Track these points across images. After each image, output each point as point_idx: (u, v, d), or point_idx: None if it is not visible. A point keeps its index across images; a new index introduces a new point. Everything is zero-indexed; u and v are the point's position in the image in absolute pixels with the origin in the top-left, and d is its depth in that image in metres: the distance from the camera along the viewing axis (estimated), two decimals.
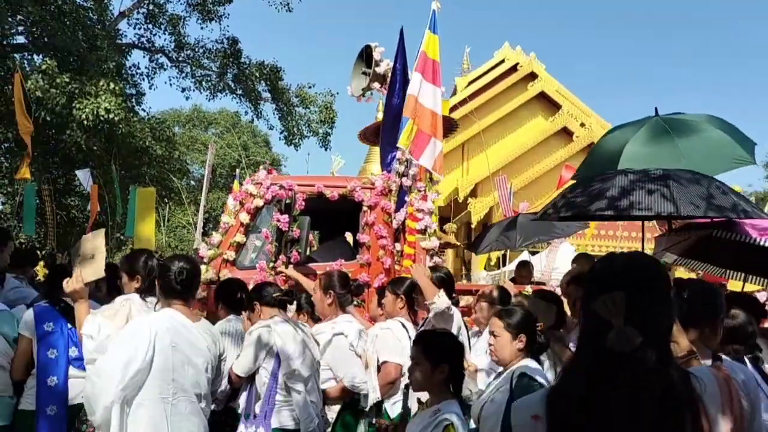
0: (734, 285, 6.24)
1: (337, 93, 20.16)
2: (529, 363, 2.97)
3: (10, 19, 14.01)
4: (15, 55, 15.70)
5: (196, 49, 19.18)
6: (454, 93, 22.90)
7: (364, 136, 7.99)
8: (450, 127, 7.24)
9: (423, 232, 5.74)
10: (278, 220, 5.54)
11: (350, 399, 3.95)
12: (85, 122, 13.22)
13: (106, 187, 14.24)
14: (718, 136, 4.74)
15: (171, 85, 19.93)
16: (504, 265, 12.73)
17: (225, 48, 18.78)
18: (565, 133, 19.80)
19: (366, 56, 6.88)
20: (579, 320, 1.72)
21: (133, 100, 17.76)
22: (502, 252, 12.66)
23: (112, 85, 13.62)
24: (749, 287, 5.60)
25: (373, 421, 3.91)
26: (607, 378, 1.50)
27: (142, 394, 2.93)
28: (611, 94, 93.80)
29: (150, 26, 18.71)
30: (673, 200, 3.65)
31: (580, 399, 1.52)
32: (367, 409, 3.91)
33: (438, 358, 2.83)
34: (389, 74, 6.53)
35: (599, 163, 5.13)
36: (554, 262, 10.83)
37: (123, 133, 14.99)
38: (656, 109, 5.30)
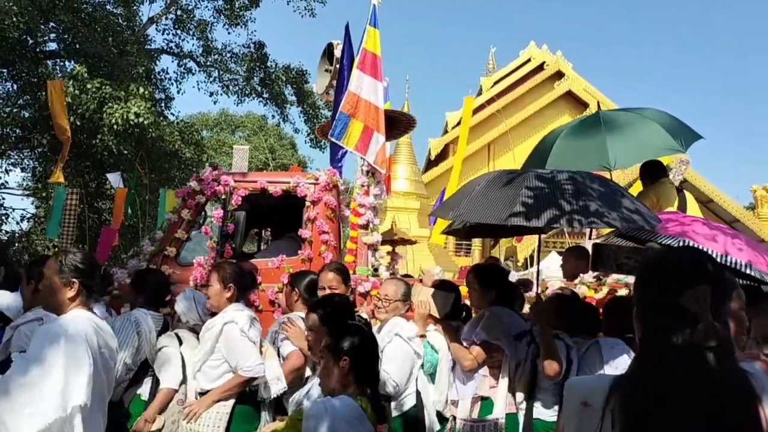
0: None
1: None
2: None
3: (42, 26, 14.33)
4: (48, 61, 16.06)
5: (224, 54, 19.44)
6: (480, 93, 22.83)
7: (323, 132, 8.02)
8: (408, 123, 7.23)
9: (365, 227, 5.71)
10: (214, 216, 5.61)
11: (249, 391, 3.80)
12: (116, 126, 13.46)
13: (137, 190, 14.48)
14: (651, 129, 5.01)
15: (199, 89, 20.14)
16: (532, 265, 12.65)
17: (251, 52, 18.99)
18: None
19: (329, 54, 6.92)
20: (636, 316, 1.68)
21: (162, 104, 18.05)
22: (531, 251, 12.60)
23: (141, 90, 13.86)
24: None
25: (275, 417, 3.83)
26: (685, 373, 1.50)
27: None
28: (641, 91, 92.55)
29: (178, 31, 19.02)
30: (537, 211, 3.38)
31: (650, 391, 1.51)
32: (268, 401, 3.82)
33: (341, 350, 2.67)
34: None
35: (534, 159, 5.41)
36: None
37: (153, 137, 15.23)
38: (598, 103, 5.52)
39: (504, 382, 3.68)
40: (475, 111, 21.78)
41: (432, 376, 4.00)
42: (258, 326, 3.86)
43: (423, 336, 4.01)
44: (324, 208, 5.65)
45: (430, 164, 23.35)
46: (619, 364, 3.45)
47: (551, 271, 8.93)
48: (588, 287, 5.07)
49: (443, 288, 4.10)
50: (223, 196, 5.63)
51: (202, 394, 3.72)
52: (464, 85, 76.59)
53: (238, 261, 5.22)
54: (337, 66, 6.69)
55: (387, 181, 9.51)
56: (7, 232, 16.33)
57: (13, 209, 16.50)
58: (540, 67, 21.84)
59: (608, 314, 3.90)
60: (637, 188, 5.96)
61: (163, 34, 19.21)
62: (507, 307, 3.83)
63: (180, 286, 4.82)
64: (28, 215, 18.37)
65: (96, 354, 2.66)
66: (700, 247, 3.54)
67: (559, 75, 21.14)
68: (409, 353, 3.86)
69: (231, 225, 5.59)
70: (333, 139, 5.91)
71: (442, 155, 21.99)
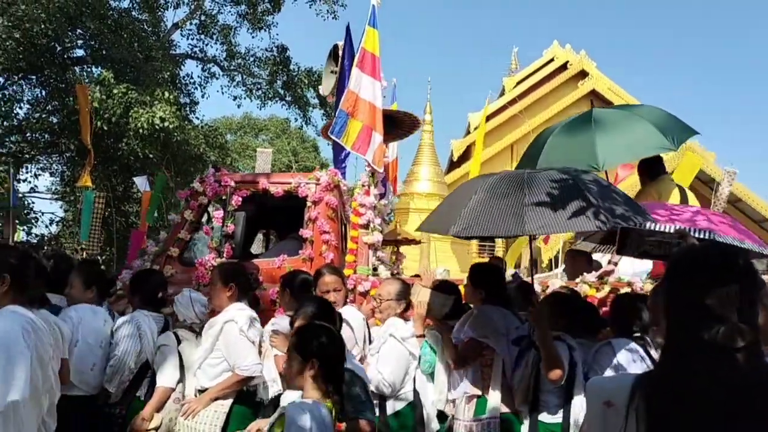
0: None
1: (384, 97, 20.25)
2: None
3: (70, 33, 14.61)
4: (75, 67, 16.35)
5: (247, 58, 19.60)
6: (502, 94, 22.72)
7: (326, 131, 8.08)
8: (412, 124, 7.25)
9: (366, 226, 5.69)
10: (215, 217, 5.67)
11: (247, 391, 3.83)
12: (142, 131, 13.66)
13: (163, 193, 14.66)
14: (642, 128, 4.94)
15: (223, 93, 20.44)
16: (557, 266, 12.54)
17: (274, 56, 19.12)
18: None
19: (334, 55, 6.96)
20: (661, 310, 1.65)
21: (187, 108, 18.26)
22: (555, 253, 12.47)
23: (167, 95, 14.06)
24: None
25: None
26: (705, 371, 1.46)
27: None
28: (666, 90, 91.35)
29: (202, 36, 19.22)
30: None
31: (671, 389, 1.49)
32: (266, 402, 3.82)
33: (308, 352, 2.64)
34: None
35: (529, 156, 5.40)
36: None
37: (178, 141, 15.44)
38: (592, 101, 5.51)
39: (496, 379, 3.68)
40: (498, 111, 21.70)
41: (431, 376, 4.00)
42: (258, 326, 3.90)
43: (422, 336, 4.02)
44: (325, 208, 5.68)
45: (453, 165, 23.30)
46: (633, 367, 3.39)
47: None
48: (590, 286, 4.99)
49: (442, 289, 4.10)
50: (224, 197, 5.70)
51: (202, 391, 3.76)
52: (487, 85, 76.21)
53: (241, 261, 5.28)
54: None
55: (393, 182, 9.52)
56: (36, 235, 16.65)
57: (43, 213, 16.84)
58: (563, 67, 21.68)
59: (615, 312, 3.85)
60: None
61: (187, 39, 19.46)
62: (500, 306, 3.82)
63: (183, 286, 4.87)
64: (57, 219, 18.71)
65: (31, 350, 2.68)
66: (733, 242, 3.50)
67: (582, 74, 20.96)
68: (404, 354, 3.89)
69: (231, 225, 5.64)
70: (333, 137, 5.97)
71: (465, 156, 21.94)
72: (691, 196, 5.75)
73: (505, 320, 3.74)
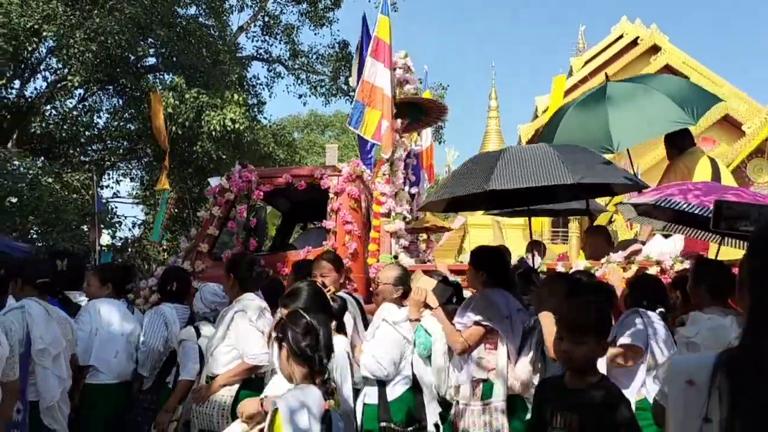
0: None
1: (448, 86, 20.08)
2: None
3: (141, 42, 15.16)
4: (148, 75, 16.99)
5: (310, 56, 19.83)
6: (570, 74, 22.11)
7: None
8: (440, 111, 7.27)
9: (387, 215, 5.76)
10: (238, 211, 5.85)
11: (255, 377, 3.91)
12: (214, 133, 14.08)
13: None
14: (657, 102, 4.72)
15: (288, 92, 20.74)
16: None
17: (336, 52, 19.27)
18: None
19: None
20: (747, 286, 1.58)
21: (256, 109, 18.66)
22: (633, 236, 12.04)
23: (236, 97, 14.42)
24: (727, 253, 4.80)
25: None
26: None
27: None
28: (744, 62, 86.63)
29: (266, 37, 19.58)
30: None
31: (754, 365, 1.43)
32: None
33: (282, 338, 2.64)
34: (406, 66, 6.79)
35: (547, 131, 5.34)
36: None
37: (248, 141, 15.81)
38: (606, 75, 5.32)
39: (502, 363, 3.67)
40: (567, 93, 21.11)
41: (429, 360, 4.01)
42: (268, 316, 4.00)
43: (417, 320, 4.04)
44: (347, 199, 5.77)
45: None
46: (660, 332, 3.51)
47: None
48: (617, 266, 4.92)
49: (446, 282, 4.17)
50: (245, 192, 5.88)
51: (212, 378, 3.88)
52: (554, 66, 74.45)
53: (267, 253, 5.63)
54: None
55: (429, 169, 9.43)
56: (120, 238, 17.42)
57: (125, 217, 17.57)
58: (634, 43, 20.85)
59: (633, 289, 3.89)
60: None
61: (252, 41, 19.92)
62: (502, 289, 3.81)
63: (213, 281, 5.00)
64: (139, 222, 19.53)
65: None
66: None
67: (655, 49, 20.11)
68: (397, 338, 3.92)
69: (254, 219, 5.87)
70: (351, 128, 6.09)
71: (533, 141, 21.49)
72: (724, 169, 5.41)
73: (507, 303, 3.74)
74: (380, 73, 6.04)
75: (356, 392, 3.87)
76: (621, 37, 21.93)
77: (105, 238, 15.37)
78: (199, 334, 4.29)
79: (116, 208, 17.86)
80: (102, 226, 13.58)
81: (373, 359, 3.86)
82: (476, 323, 3.71)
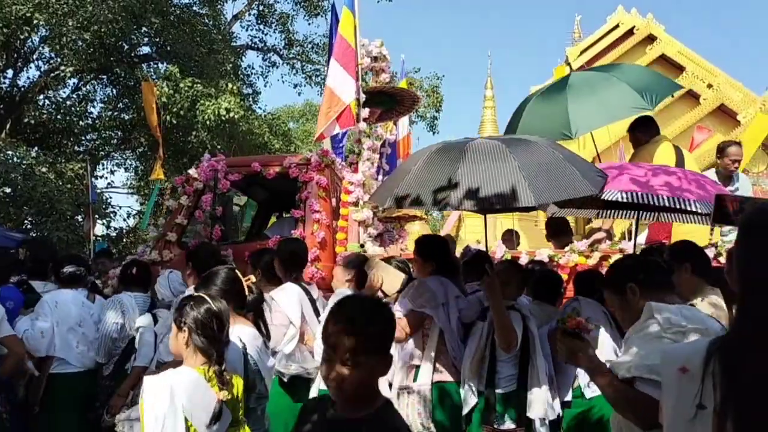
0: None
1: (443, 76, 20.04)
2: None
3: (135, 31, 15.06)
4: (142, 64, 16.89)
5: (305, 45, 19.73)
6: (566, 63, 22.06)
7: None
8: (412, 101, 7.30)
9: (355, 204, 5.76)
10: (203, 200, 5.88)
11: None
12: (208, 122, 14.01)
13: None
14: (616, 89, 4.81)
15: (283, 82, 20.70)
16: (629, 239, 12.13)
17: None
18: (691, 96, 18.48)
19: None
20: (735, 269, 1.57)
21: (250, 99, 18.58)
22: (629, 226, 12.06)
23: (230, 86, 14.35)
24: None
25: None
26: None
27: None
28: (739, 51, 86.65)
29: (261, 26, 19.47)
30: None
31: (748, 351, 1.43)
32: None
33: (180, 322, 2.72)
34: (381, 55, 6.93)
35: (511, 123, 5.38)
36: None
37: (243, 131, 15.75)
38: (570, 66, 5.41)
39: (430, 348, 3.70)
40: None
41: None
42: None
43: None
44: (316, 188, 5.77)
45: None
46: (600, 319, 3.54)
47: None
48: (579, 254, 5.02)
49: (402, 270, 4.23)
50: (212, 181, 5.91)
51: (162, 364, 3.91)
52: (549, 55, 74.40)
53: (241, 242, 5.70)
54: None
55: (405, 159, 9.46)
56: (115, 228, 17.38)
57: (120, 207, 17.53)
58: (630, 32, 20.76)
59: (579, 283, 3.99)
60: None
61: (246, 30, 19.77)
62: (446, 276, 3.82)
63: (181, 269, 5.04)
64: (134, 212, 19.47)
65: None
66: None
67: (650, 39, 20.03)
68: None
69: (220, 209, 5.93)
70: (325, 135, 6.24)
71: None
72: (688, 156, 5.43)
73: (445, 290, 3.74)
74: (339, 79, 6.04)
75: (311, 381, 4.03)
76: (617, 26, 21.84)
77: (99, 229, 15.33)
78: (156, 321, 4.38)
79: (111, 198, 17.82)
80: (96, 216, 13.53)
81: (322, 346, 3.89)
82: (412, 311, 3.74)
